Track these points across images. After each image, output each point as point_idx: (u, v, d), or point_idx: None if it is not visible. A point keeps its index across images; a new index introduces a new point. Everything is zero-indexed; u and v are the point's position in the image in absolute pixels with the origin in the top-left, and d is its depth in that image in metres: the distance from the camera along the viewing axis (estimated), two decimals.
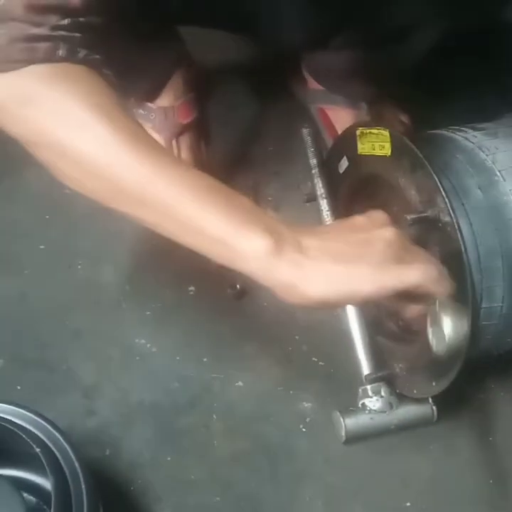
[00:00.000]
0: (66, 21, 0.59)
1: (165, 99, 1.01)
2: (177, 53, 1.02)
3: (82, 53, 0.60)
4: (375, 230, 0.59)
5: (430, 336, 0.66)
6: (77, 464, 0.64)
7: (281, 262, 0.55)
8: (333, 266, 0.56)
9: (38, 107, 0.58)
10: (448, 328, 0.64)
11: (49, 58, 0.58)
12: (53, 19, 0.58)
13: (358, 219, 0.61)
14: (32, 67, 0.58)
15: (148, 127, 1.02)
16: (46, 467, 0.62)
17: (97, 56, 0.61)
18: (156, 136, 1.03)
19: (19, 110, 0.58)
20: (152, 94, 1.00)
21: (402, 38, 0.88)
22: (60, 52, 0.59)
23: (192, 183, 0.58)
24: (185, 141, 1.04)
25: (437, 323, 0.64)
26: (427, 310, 0.66)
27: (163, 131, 1.03)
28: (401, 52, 0.91)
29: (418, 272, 0.59)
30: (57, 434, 0.66)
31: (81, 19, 0.60)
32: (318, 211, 0.91)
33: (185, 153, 1.03)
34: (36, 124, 0.58)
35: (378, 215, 0.62)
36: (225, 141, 1.07)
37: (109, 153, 0.57)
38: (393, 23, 0.86)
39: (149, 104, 1.01)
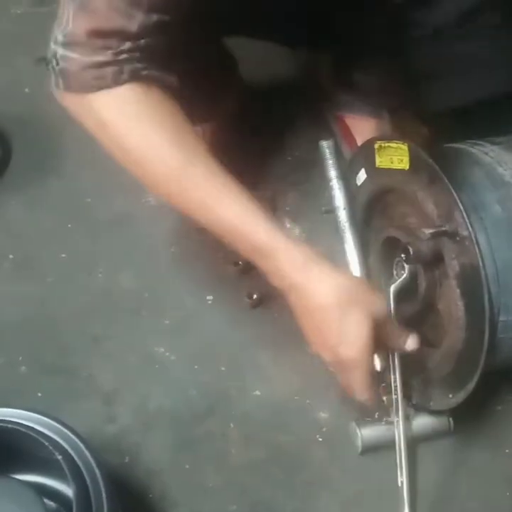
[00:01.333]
0: (127, 45, 0.69)
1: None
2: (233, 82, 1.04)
3: (144, 71, 0.71)
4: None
5: None
6: (97, 471, 0.66)
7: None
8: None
9: (111, 131, 0.72)
10: None
11: (115, 83, 0.70)
12: (114, 43, 0.68)
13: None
14: (103, 94, 0.70)
15: None
16: (67, 474, 0.63)
17: (157, 71, 0.72)
18: None
19: (96, 128, 0.74)
20: (205, 119, 1.01)
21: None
22: (124, 76, 0.70)
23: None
24: None
25: None
26: None
27: None
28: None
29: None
30: (77, 441, 0.67)
31: (140, 41, 0.69)
32: (336, 222, 0.92)
33: None
34: (111, 141, 0.74)
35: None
36: (244, 152, 1.08)
37: (179, 175, 0.73)
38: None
39: None
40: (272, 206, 1.05)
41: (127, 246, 1.01)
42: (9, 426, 0.65)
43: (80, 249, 1.00)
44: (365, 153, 0.86)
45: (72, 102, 0.73)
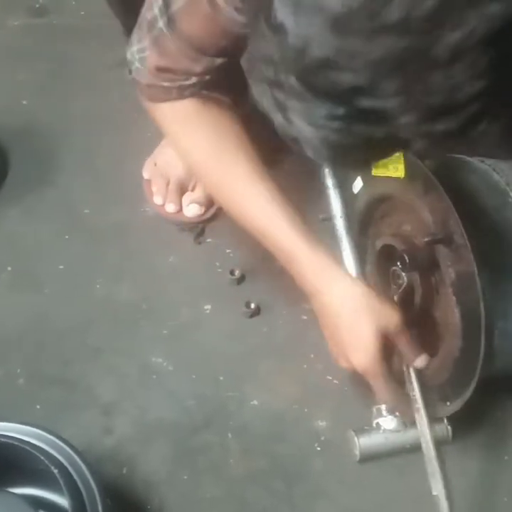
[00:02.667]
0: (192, 80, 0.77)
1: None
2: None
3: (204, 91, 0.80)
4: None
5: None
6: (93, 485, 0.66)
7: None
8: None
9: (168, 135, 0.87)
10: None
11: (179, 97, 0.79)
12: (180, 78, 0.77)
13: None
14: (168, 107, 0.80)
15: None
16: (63, 488, 0.63)
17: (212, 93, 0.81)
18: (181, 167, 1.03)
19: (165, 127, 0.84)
20: None
21: None
22: (187, 94, 0.79)
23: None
24: None
25: None
26: None
27: None
28: None
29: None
30: (74, 454, 0.67)
31: (204, 77, 0.78)
32: (334, 230, 0.91)
33: (200, 187, 1.03)
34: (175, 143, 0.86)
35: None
36: None
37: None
38: None
39: None
40: None
41: (125, 256, 1.01)
42: (4, 440, 0.65)
43: (78, 260, 1.00)
44: None
45: (145, 102, 0.82)
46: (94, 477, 0.66)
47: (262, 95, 0.43)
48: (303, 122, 0.42)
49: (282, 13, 0.39)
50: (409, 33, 0.37)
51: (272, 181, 0.80)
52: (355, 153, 0.43)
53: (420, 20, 0.36)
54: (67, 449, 0.67)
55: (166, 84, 0.78)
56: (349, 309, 0.74)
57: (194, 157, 0.83)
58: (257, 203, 0.78)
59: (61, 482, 0.63)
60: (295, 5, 0.39)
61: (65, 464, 0.65)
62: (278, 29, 0.39)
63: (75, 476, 0.65)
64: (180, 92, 0.78)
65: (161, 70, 0.77)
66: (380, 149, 0.44)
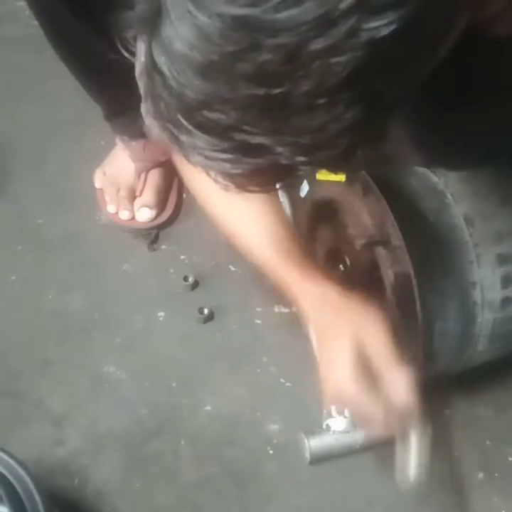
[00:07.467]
0: None
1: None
2: None
3: None
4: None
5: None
6: (37, 497, 0.65)
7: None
8: None
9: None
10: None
11: None
12: None
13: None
14: None
15: (126, 154, 1.04)
16: (5, 500, 0.63)
17: None
18: (130, 163, 1.04)
19: None
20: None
21: None
22: None
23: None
24: (153, 178, 1.04)
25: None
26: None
27: (138, 161, 1.03)
28: None
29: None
30: (17, 466, 0.67)
31: None
32: None
33: (148, 190, 1.04)
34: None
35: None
36: None
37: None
38: None
39: None
40: None
41: (78, 266, 1.01)
42: None
43: (30, 270, 1.00)
44: None
45: None
46: (38, 489, 0.66)
47: (161, 131, 0.45)
48: (196, 154, 0.45)
49: (158, 57, 0.42)
50: (265, 84, 0.40)
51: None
52: (254, 179, 0.46)
53: (272, 73, 0.40)
54: (10, 461, 0.67)
55: None
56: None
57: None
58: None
59: (2, 494, 0.63)
60: (167, 51, 0.41)
61: (7, 475, 0.65)
62: (159, 71, 0.42)
63: (18, 488, 0.65)
64: None
65: None
66: (274, 174, 0.46)
